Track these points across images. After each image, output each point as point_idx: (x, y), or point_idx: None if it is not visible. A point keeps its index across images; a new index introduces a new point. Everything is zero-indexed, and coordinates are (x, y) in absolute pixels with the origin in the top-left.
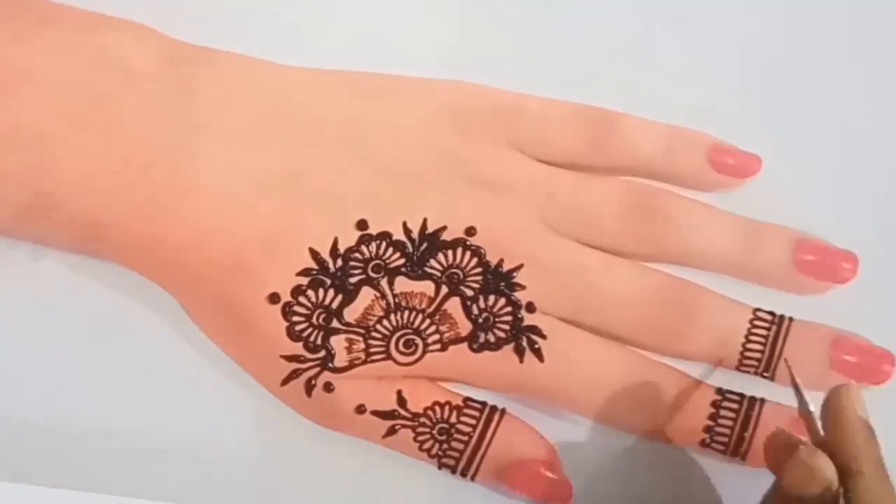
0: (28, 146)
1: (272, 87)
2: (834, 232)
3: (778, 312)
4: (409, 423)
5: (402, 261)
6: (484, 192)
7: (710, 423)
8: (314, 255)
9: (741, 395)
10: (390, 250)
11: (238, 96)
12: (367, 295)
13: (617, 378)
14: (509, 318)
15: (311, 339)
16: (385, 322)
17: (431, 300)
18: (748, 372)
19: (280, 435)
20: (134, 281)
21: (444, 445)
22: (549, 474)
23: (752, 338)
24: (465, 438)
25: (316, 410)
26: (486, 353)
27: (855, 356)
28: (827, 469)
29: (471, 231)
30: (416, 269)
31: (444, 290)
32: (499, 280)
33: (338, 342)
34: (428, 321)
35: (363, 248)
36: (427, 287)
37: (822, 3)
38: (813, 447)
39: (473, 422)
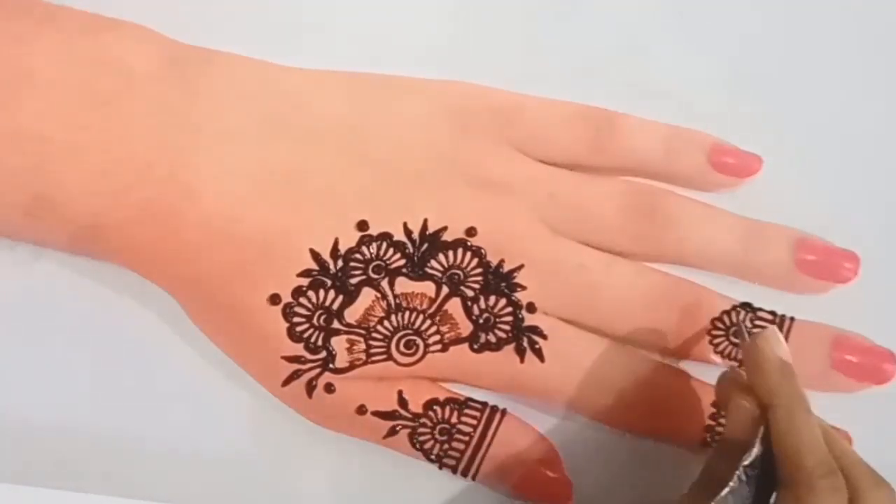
0: (28, 147)
1: (272, 88)
2: (834, 232)
3: (779, 312)
4: (409, 423)
5: (403, 261)
6: (484, 192)
7: (711, 422)
8: (315, 255)
9: None
10: (391, 251)
11: (238, 96)
12: (367, 296)
13: (617, 378)
14: (510, 318)
15: (312, 339)
16: (386, 323)
17: (432, 301)
18: None
19: (280, 435)
20: (134, 281)
21: (445, 446)
22: (550, 474)
23: None
24: (466, 439)
25: (317, 411)
26: (487, 353)
27: (856, 356)
28: (751, 408)
29: (471, 231)
30: (416, 269)
31: (445, 290)
32: (499, 280)
33: (339, 343)
34: (429, 322)
35: (364, 248)
36: (428, 288)
37: (822, 3)
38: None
39: (474, 422)
